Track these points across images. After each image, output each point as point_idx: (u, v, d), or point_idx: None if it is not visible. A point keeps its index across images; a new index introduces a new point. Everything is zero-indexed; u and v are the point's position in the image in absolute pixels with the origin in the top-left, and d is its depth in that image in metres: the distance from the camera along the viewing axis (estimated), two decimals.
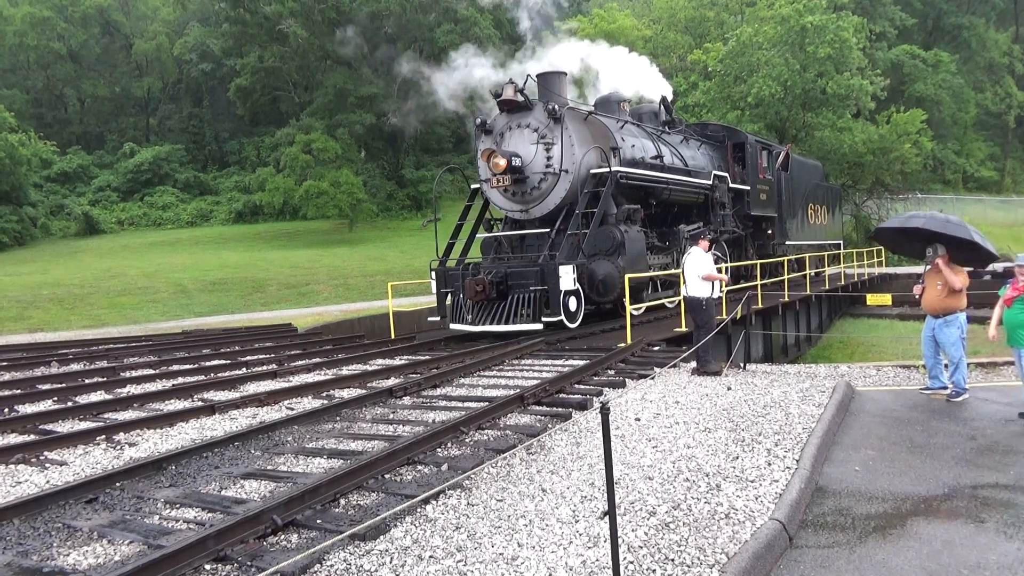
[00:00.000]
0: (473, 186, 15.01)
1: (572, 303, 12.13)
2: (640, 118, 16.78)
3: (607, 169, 13.06)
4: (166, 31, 54.99)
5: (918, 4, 52.96)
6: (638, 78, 18.72)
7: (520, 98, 13.35)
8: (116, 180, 48.46)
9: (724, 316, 9.65)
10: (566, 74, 14.88)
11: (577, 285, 12.12)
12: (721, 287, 9.28)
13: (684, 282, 9.24)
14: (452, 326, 13.22)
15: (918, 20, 52.69)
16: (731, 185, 17.96)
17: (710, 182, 16.69)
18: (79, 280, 24.82)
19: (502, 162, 12.95)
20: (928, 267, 7.68)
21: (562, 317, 11.84)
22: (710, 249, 9.38)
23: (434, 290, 13.75)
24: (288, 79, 46.66)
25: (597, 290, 12.61)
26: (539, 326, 11.90)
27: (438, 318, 13.90)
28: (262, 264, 28.55)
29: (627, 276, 11.87)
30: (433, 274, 13.76)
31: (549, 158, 13.25)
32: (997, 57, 53.66)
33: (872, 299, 12.92)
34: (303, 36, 41.44)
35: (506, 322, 12.10)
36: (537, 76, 14.04)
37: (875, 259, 26.16)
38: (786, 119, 33.24)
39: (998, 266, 26.15)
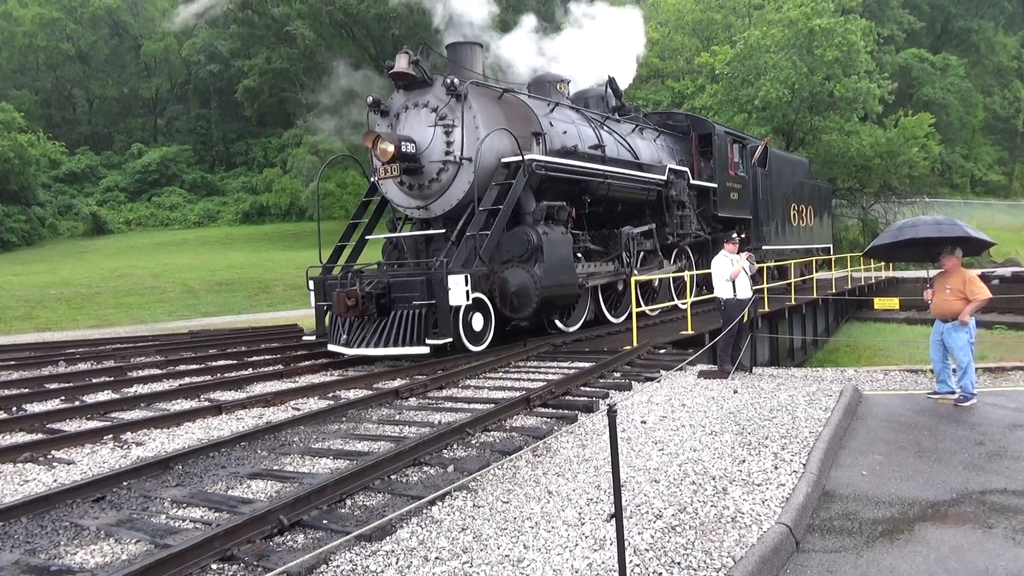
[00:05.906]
0: (372, 179, 12.66)
1: (478, 321, 10.07)
2: (586, 103, 14.77)
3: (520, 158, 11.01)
4: (174, 32, 55.30)
5: (926, 8, 52.86)
6: (583, 57, 16.14)
7: (414, 72, 11.21)
8: (124, 180, 48.79)
9: (747, 318, 9.46)
10: (481, 46, 12.93)
11: (477, 298, 10.09)
12: (748, 289, 9.25)
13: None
14: (329, 347, 10.93)
15: (926, 24, 52.60)
16: (692, 182, 15.91)
17: (664, 177, 14.63)
18: (86, 280, 24.94)
19: (389, 148, 10.83)
20: (938, 271, 7.66)
21: (451, 339, 9.69)
22: (739, 251, 9.36)
23: (312, 303, 11.68)
24: (295, 80, 46.84)
25: (511, 304, 10.53)
26: (425, 350, 9.75)
27: (314, 337, 11.74)
28: (268, 265, 28.64)
29: (634, 280, 11.77)
30: (311, 283, 11.65)
31: (449, 144, 11.05)
32: (1006, 61, 53.60)
33: (880, 303, 12.87)
34: (311, 38, 41.60)
35: (386, 344, 9.94)
36: (447, 47, 12.11)
37: (881, 263, 25.77)
38: (793, 122, 33.19)
39: (1006, 271, 26.10)
